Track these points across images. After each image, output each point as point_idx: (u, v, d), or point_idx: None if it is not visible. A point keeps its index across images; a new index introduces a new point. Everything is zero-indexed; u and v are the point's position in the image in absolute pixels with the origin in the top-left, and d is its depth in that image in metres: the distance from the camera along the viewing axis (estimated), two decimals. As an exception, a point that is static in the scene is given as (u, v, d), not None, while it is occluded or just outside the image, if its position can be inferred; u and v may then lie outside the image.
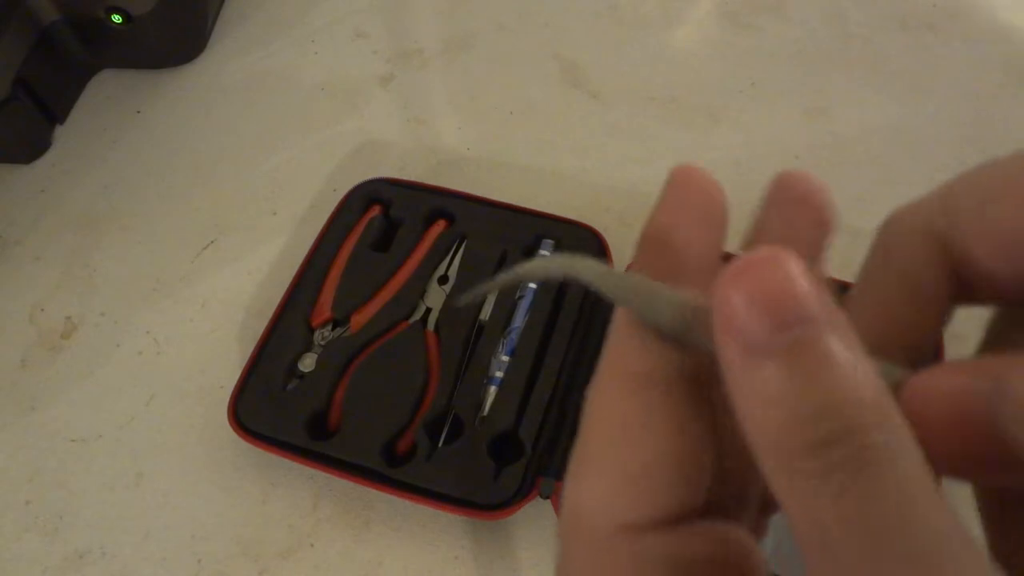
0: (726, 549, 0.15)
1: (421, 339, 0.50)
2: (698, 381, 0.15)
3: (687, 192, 0.16)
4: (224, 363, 0.53)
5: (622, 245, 0.54)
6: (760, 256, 0.12)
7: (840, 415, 0.12)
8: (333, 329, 0.51)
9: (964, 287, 0.16)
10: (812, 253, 0.16)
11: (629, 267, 0.48)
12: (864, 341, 0.13)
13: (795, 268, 0.12)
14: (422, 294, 0.52)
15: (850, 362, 0.12)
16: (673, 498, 0.14)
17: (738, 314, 0.12)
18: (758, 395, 0.12)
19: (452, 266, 0.54)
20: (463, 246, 0.54)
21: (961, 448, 0.13)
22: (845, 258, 0.56)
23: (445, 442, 0.47)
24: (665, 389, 0.14)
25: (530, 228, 0.54)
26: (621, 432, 0.14)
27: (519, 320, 0.50)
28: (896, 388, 0.13)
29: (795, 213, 0.16)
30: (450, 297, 0.52)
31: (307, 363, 0.50)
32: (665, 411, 0.14)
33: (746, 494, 0.17)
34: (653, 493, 0.14)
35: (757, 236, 0.17)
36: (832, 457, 0.11)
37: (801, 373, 0.12)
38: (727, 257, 0.15)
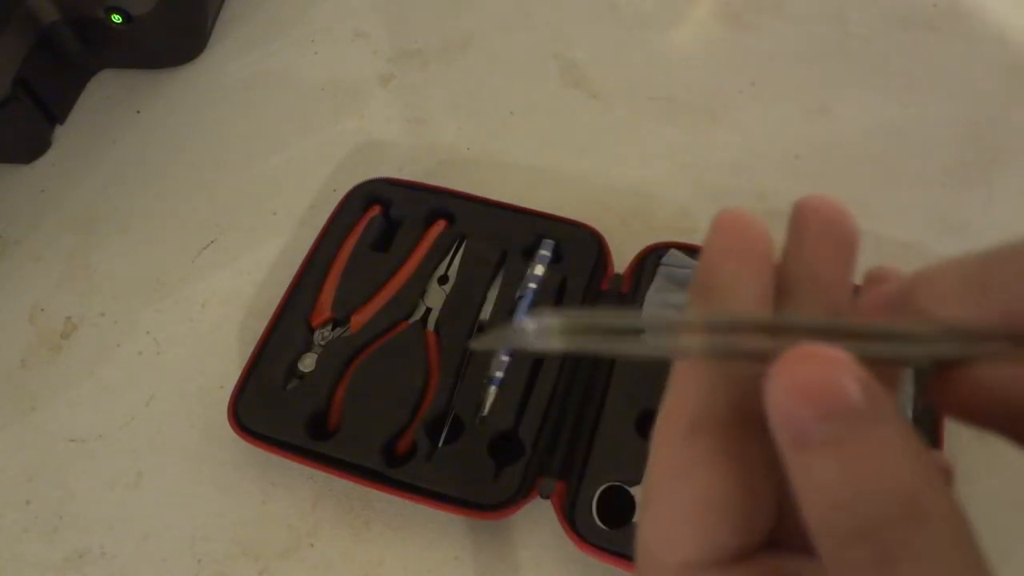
0: None
1: (421, 339, 0.50)
2: (756, 420, 0.15)
3: (729, 238, 0.17)
4: (224, 363, 0.53)
5: (622, 245, 0.54)
6: (811, 351, 0.13)
7: (879, 505, 0.12)
8: (333, 329, 0.51)
9: None
10: (840, 275, 0.17)
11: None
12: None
13: (842, 366, 0.13)
14: (422, 294, 0.52)
15: (893, 455, 0.13)
16: (733, 535, 0.15)
17: (787, 404, 0.13)
18: (806, 479, 0.13)
19: (452, 266, 0.54)
20: (463, 246, 0.54)
21: None
22: (845, 258, 0.56)
23: (445, 442, 0.47)
24: (723, 431, 0.15)
25: (530, 228, 0.54)
26: (681, 472, 0.15)
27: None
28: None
29: (821, 238, 0.17)
30: (450, 297, 0.52)
31: (307, 363, 0.50)
32: (723, 452, 0.15)
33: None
34: (713, 531, 0.15)
35: (788, 265, 0.18)
36: (870, 546, 0.12)
37: (843, 463, 0.13)
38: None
